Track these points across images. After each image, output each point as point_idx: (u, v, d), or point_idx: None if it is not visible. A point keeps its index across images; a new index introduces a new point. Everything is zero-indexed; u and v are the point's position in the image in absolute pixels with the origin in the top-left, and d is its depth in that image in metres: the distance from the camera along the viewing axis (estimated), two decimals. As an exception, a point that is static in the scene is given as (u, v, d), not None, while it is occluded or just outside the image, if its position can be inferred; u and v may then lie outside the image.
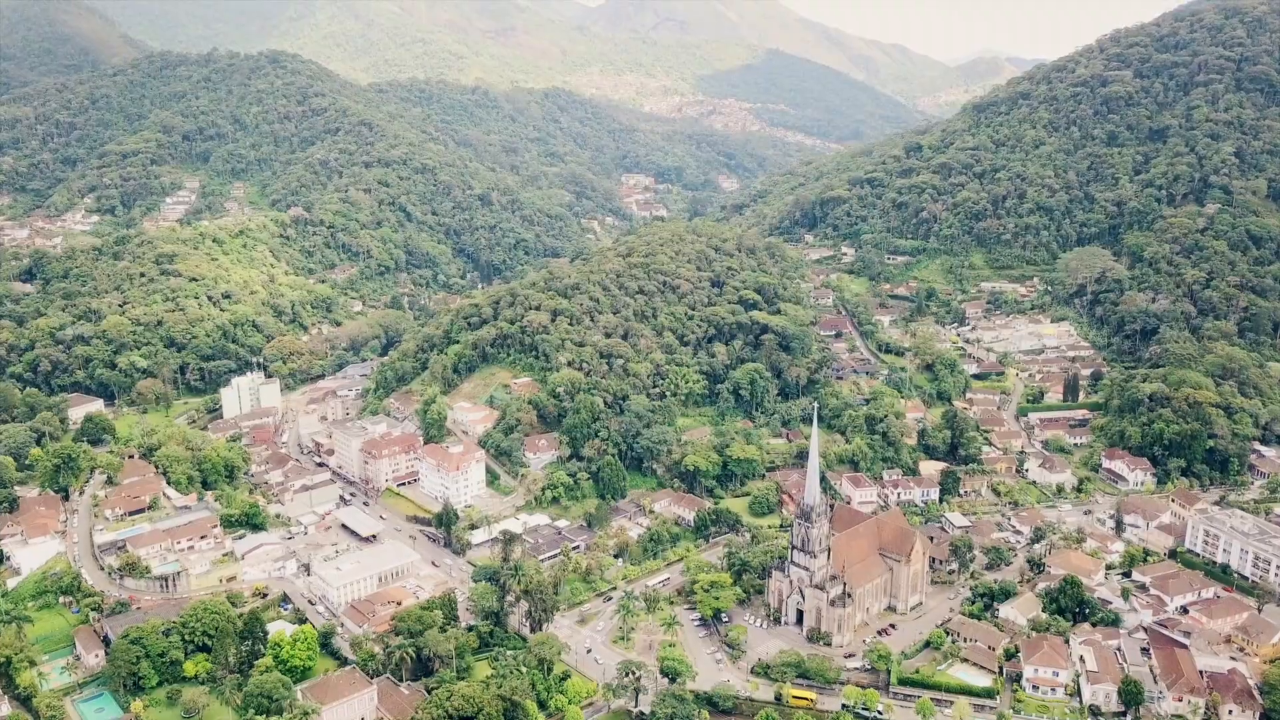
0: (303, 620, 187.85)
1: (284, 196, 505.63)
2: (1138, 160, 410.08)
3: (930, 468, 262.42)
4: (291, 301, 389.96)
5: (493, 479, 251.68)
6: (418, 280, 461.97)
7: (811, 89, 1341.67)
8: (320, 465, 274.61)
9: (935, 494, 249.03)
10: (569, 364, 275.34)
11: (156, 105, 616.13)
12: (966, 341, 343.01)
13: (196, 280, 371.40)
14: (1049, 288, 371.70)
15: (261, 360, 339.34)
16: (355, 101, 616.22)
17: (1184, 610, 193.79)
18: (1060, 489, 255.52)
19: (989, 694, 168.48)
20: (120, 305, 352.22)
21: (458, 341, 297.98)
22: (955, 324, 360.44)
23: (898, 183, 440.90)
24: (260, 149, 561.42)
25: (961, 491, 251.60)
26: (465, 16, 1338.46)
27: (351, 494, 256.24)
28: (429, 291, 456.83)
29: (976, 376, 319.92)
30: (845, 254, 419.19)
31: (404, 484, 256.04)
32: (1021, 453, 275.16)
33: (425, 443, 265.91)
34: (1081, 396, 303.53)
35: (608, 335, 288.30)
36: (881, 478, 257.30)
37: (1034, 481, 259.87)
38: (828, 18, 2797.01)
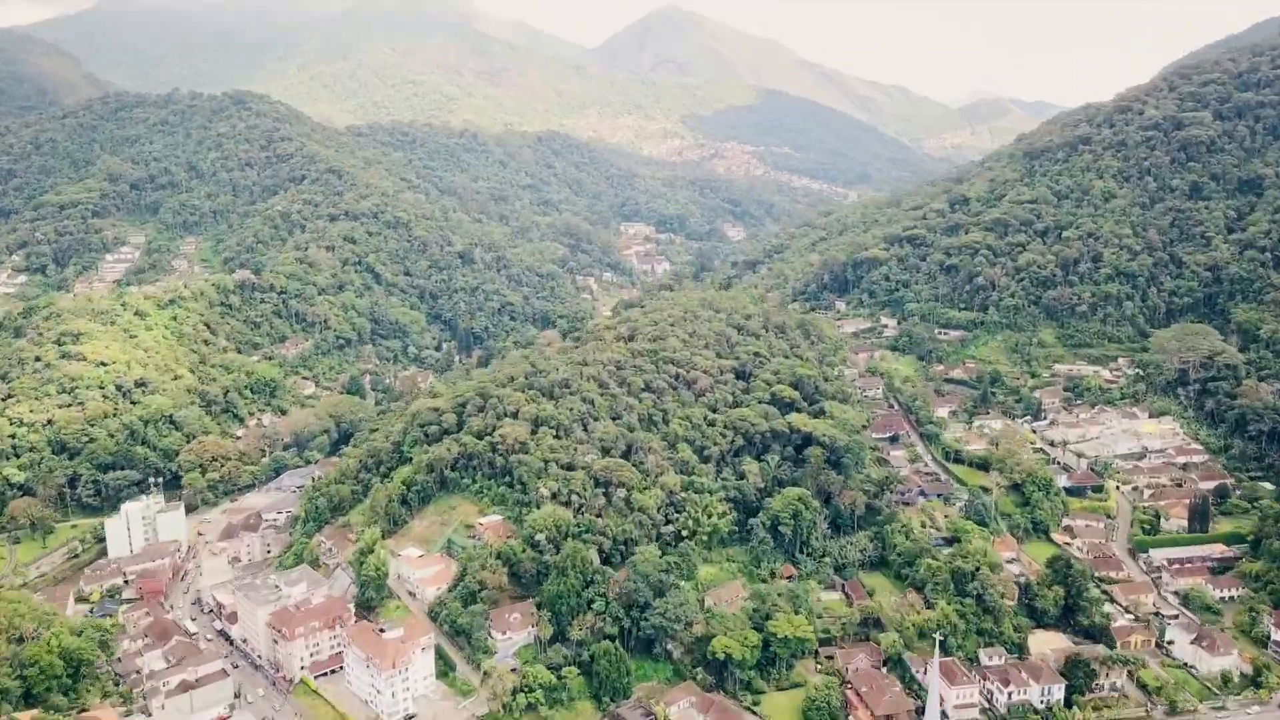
0: None
1: (238, 254, 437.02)
2: (1230, 216, 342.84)
3: (1043, 643, 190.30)
4: (225, 388, 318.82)
5: (446, 670, 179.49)
6: (384, 353, 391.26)
7: (814, 131, 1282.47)
8: (222, 635, 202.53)
9: (1059, 691, 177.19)
10: (553, 496, 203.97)
11: (107, 150, 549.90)
12: (1050, 444, 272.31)
13: (105, 365, 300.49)
14: (1141, 372, 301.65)
15: (168, 473, 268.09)
16: (326, 146, 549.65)
17: None
18: (1227, 679, 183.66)
19: None
20: (2, 399, 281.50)
21: (410, 459, 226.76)
22: (1029, 417, 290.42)
23: (943, 241, 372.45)
24: (217, 199, 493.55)
25: (1094, 686, 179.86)
26: (458, 57, 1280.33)
27: (256, 688, 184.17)
28: (396, 367, 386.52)
29: (1069, 491, 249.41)
30: (886, 326, 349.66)
31: (325, 674, 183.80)
32: (1158, 616, 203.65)
33: (359, 607, 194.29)
34: (1212, 525, 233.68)
35: (605, 451, 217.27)
36: (979, 661, 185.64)
37: (1187, 665, 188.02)
38: (826, 59, 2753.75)
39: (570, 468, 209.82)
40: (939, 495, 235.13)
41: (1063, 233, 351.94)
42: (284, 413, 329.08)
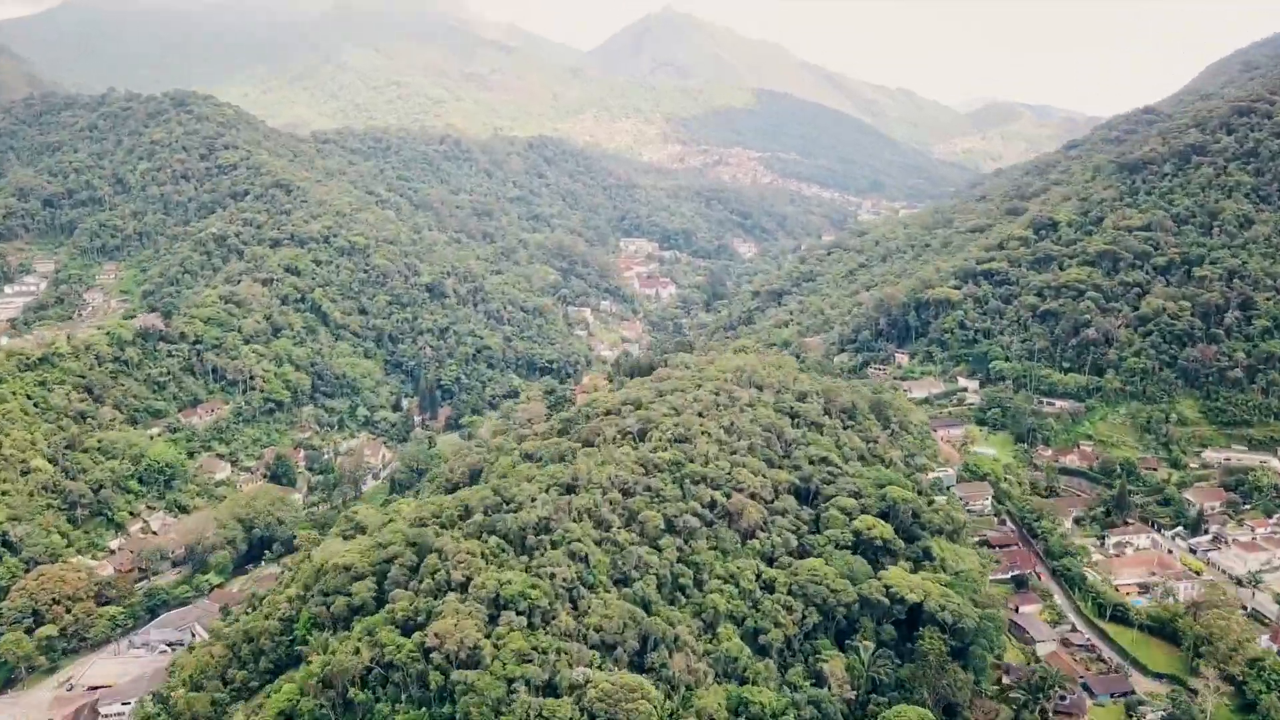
0: None
1: (159, 286, 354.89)
2: None
3: None
4: (99, 481, 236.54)
5: None
6: (327, 417, 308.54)
7: (821, 136, 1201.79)
8: None
9: None
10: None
11: (24, 160, 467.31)
12: (1232, 579, 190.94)
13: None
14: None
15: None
16: (278, 156, 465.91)
17: None
18: None
19: None
20: None
21: (302, 656, 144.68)
22: (1181, 529, 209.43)
23: (1033, 278, 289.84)
24: (144, 218, 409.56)
25: None
26: (446, 59, 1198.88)
27: None
28: (341, 435, 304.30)
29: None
30: (965, 390, 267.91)
31: None
32: None
33: None
34: None
35: (608, 649, 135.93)
36: None
37: None
38: (829, 61, 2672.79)
39: (550, 691, 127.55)
40: (1116, 695, 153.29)
41: (1192, 269, 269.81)
42: (183, 510, 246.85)
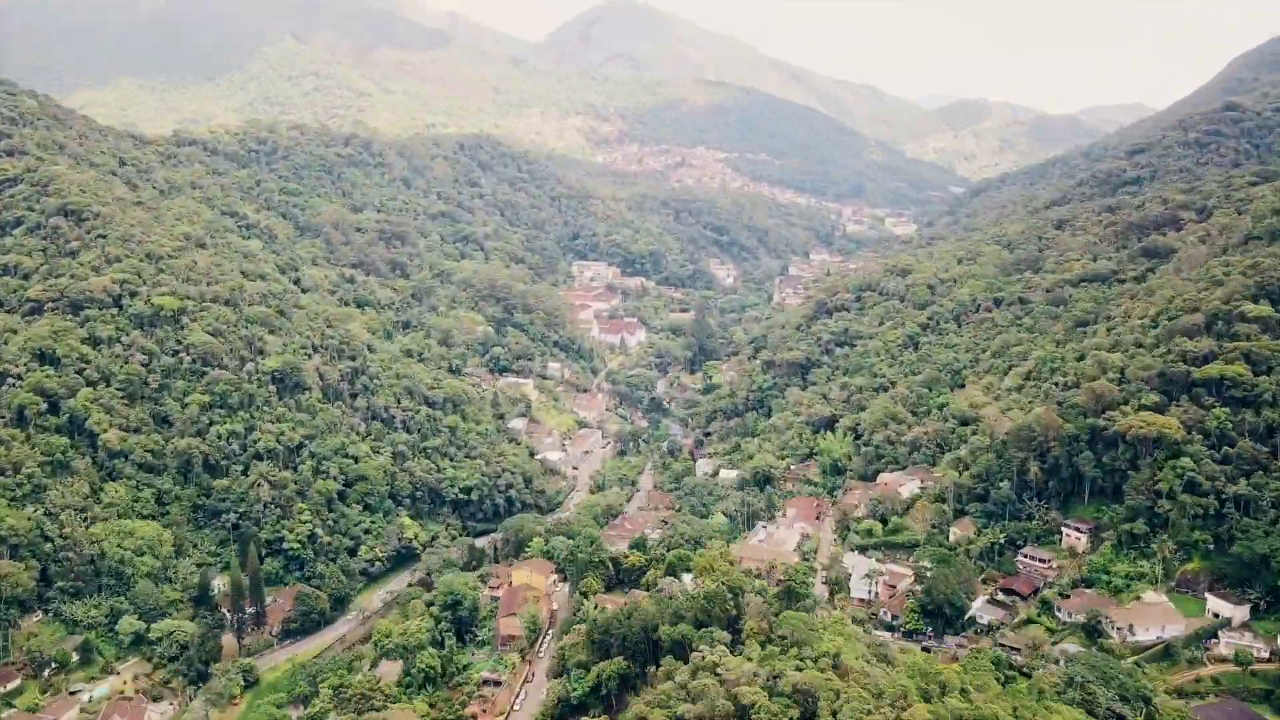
0: None
1: None
2: None
3: None
4: None
5: None
6: (57, 642, 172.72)
7: (792, 135, 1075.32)
8: None
9: None
10: None
11: None
12: None
13: None
14: None
15: None
16: (91, 166, 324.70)
17: None
18: None
19: None
20: None
21: None
22: None
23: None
24: None
25: None
26: (373, 46, 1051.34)
27: None
28: (82, 673, 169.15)
29: None
30: (1229, 623, 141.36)
31: None
32: None
33: None
34: None
35: None
36: None
37: None
38: (791, 56, 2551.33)
39: None
40: None
41: None
42: None
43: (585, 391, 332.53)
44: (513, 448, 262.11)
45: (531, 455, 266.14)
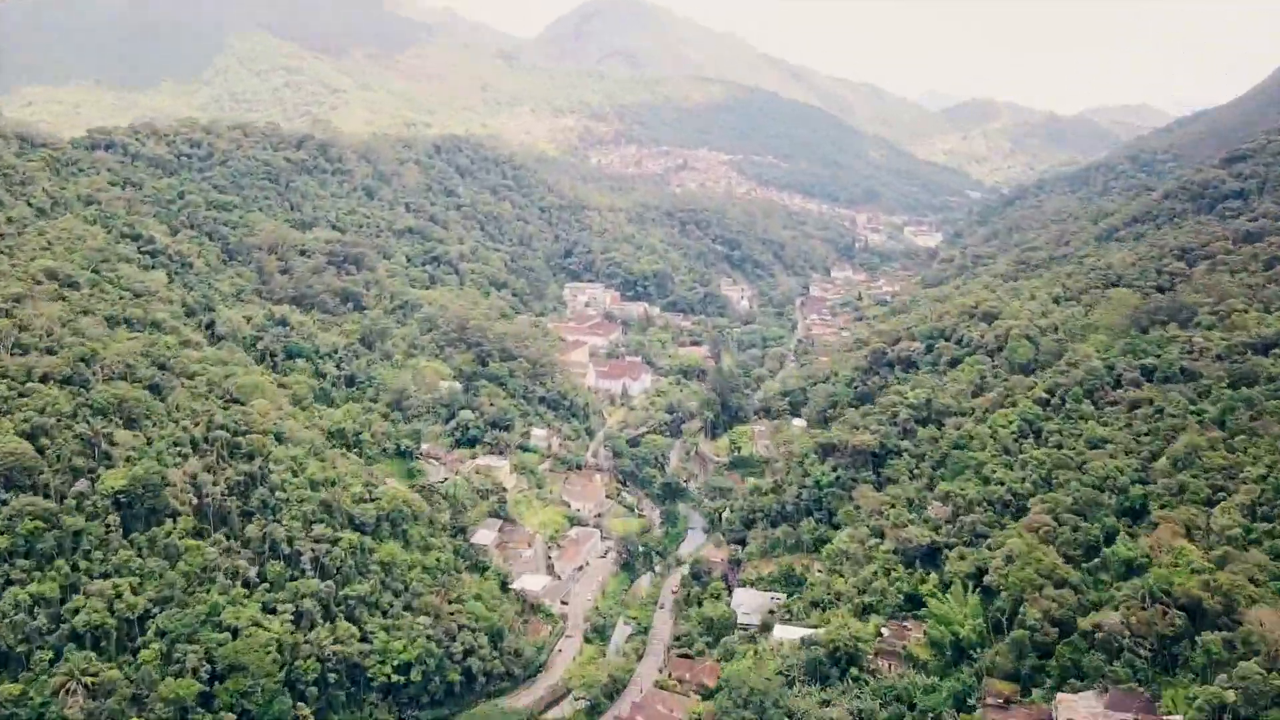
0: None
1: None
2: None
3: None
4: None
5: None
6: None
7: (798, 135, 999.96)
8: None
9: None
10: None
11: None
12: None
13: None
14: None
15: None
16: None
17: None
18: None
19: None
20: None
21: None
22: None
23: None
24: None
25: None
26: (350, 39, 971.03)
27: None
28: None
29: None
30: None
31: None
32: None
33: None
34: None
35: None
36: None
37: None
38: (790, 54, 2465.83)
39: None
40: None
41: None
42: None
43: (579, 470, 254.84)
44: (477, 580, 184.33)
45: (504, 587, 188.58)
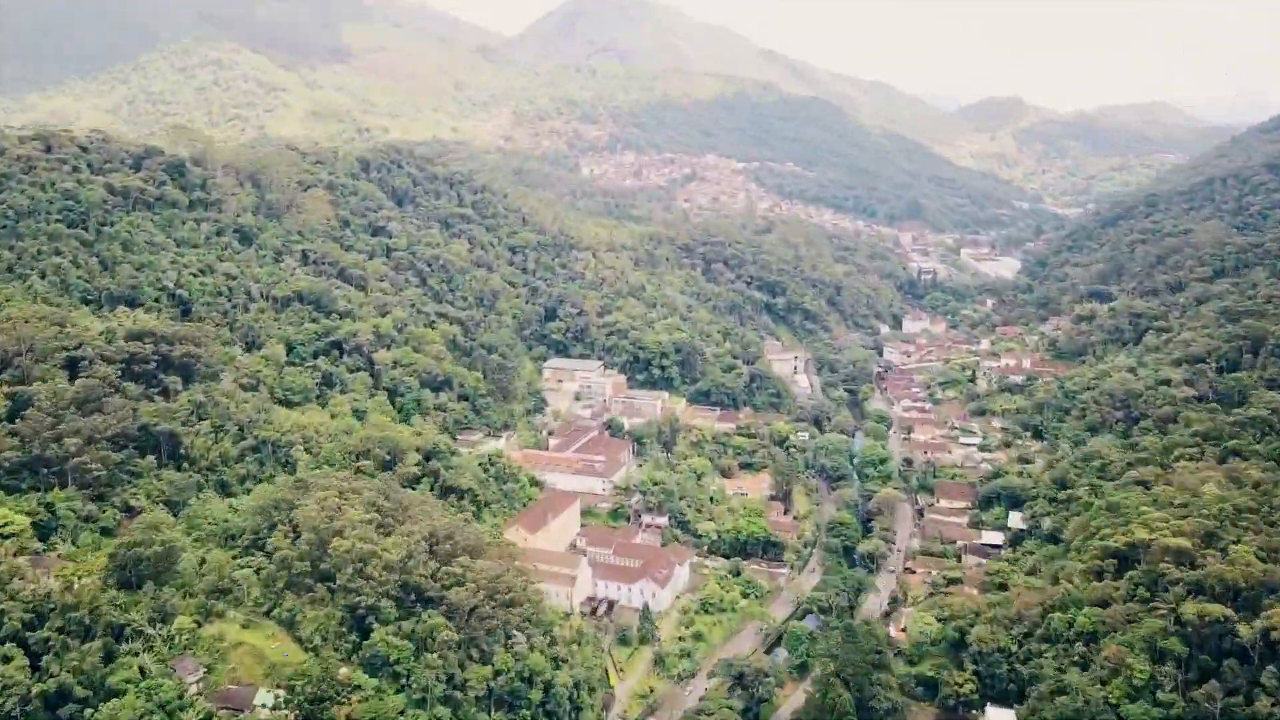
0: None
1: None
2: None
3: None
4: None
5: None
6: None
7: (817, 139, 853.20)
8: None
9: None
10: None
11: None
12: None
13: None
14: None
15: None
16: None
17: None
18: None
19: None
20: None
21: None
22: None
23: None
24: None
25: None
26: (303, 32, 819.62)
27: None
28: None
29: None
30: None
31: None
32: None
33: None
34: None
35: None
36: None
37: None
38: (790, 49, 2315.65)
39: None
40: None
41: None
42: None
43: None
44: None
45: None
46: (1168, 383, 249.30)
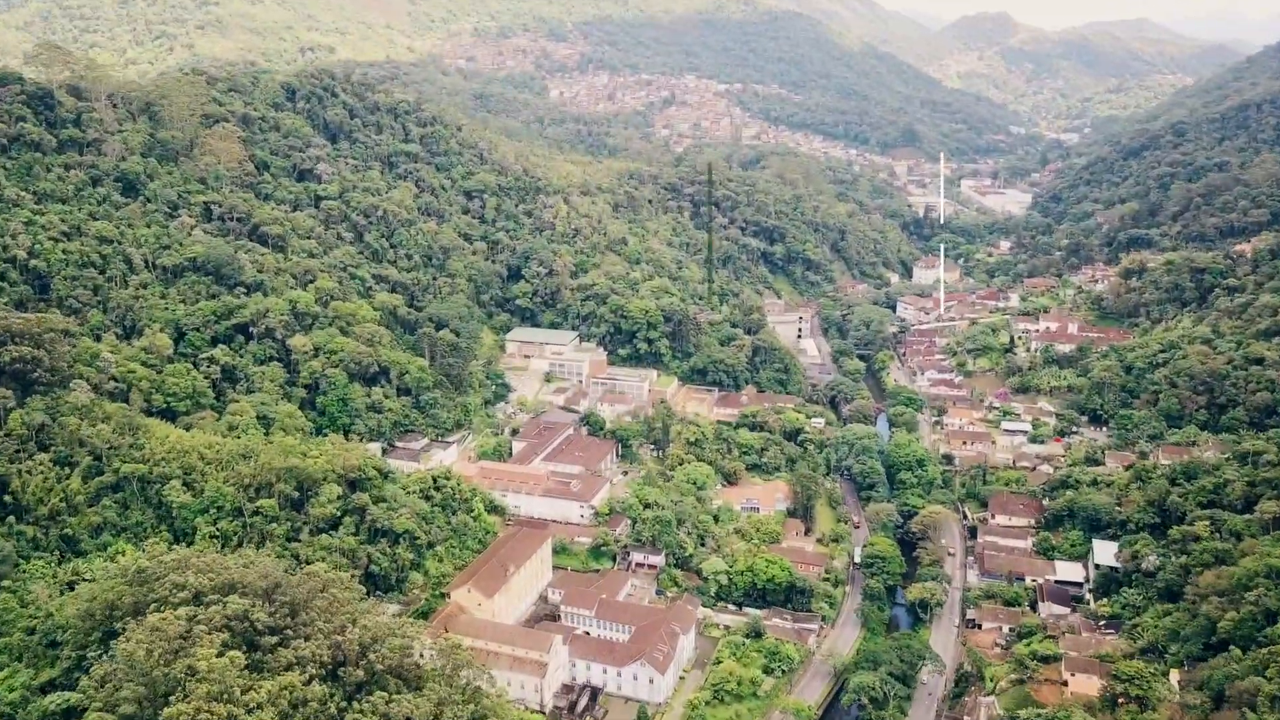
0: None
1: None
2: None
3: None
4: None
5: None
6: None
7: (806, 59, 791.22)
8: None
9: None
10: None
11: None
12: None
13: None
14: None
15: None
16: None
17: None
18: None
19: None
20: None
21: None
22: None
23: None
24: None
25: None
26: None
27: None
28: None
29: None
30: None
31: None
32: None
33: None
34: None
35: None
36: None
37: None
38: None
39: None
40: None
41: None
42: None
43: None
44: None
45: None
46: (1259, 361, 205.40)
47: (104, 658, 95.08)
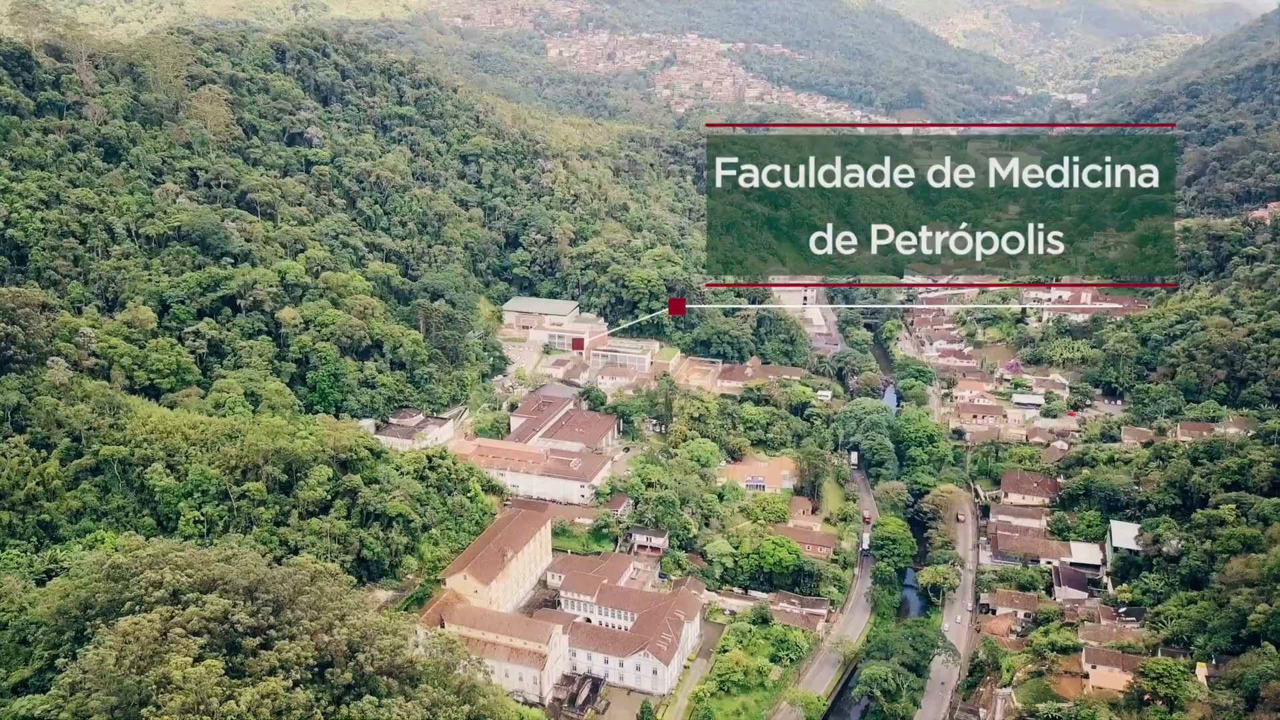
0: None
1: None
2: None
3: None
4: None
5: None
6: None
7: (811, 17, 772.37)
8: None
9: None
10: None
11: None
12: None
13: None
14: None
15: None
16: None
17: None
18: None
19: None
20: None
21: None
22: None
23: None
24: None
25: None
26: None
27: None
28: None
29: None
30: None
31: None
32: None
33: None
34: None
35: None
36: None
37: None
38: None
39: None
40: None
41: None
42: None
43: None
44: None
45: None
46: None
47: (72, 664, 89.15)
